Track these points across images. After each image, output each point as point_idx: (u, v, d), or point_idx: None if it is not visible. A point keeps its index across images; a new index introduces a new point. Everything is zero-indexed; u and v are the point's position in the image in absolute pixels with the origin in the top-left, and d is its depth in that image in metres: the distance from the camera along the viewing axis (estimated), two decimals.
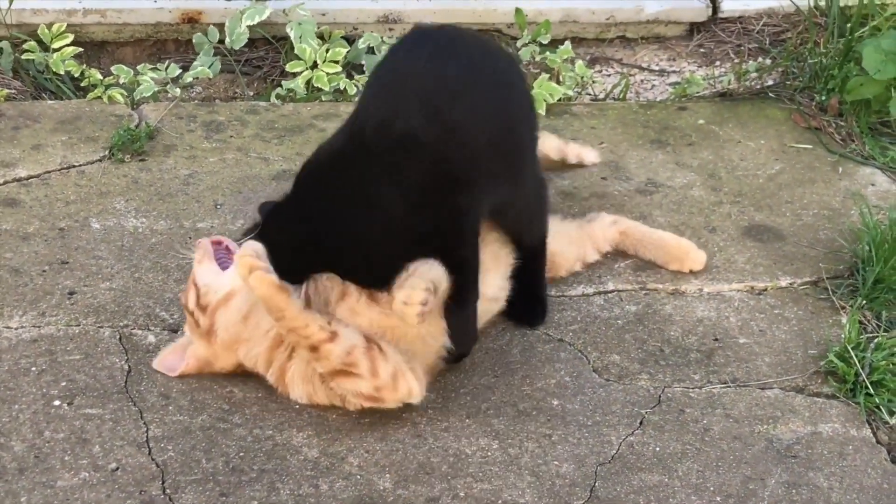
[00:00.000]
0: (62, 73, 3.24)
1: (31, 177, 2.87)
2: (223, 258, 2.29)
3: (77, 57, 3.30)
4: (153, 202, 2.81)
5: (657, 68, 3.58)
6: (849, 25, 3.44)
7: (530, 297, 2.51)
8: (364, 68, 3.43)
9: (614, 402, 2.34)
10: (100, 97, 3.19)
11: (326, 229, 2.16)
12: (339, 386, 2.18)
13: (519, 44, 3.54)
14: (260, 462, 2.15)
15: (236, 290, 2.23)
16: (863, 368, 2.40)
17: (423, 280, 2.16)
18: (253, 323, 2.23)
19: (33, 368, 2.33)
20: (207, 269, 2.27)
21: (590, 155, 3.00)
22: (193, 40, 3.43)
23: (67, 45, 3.28)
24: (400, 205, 2.13)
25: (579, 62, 3.42)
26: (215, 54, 3.43)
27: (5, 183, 2.84)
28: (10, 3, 3.33)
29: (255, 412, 2.25)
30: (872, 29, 3.45)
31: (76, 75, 3.26)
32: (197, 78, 3.35)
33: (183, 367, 2.30)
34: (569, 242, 2.63)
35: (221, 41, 3.43)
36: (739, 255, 2.76)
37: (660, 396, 2.36)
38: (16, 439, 2.17)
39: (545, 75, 3.33)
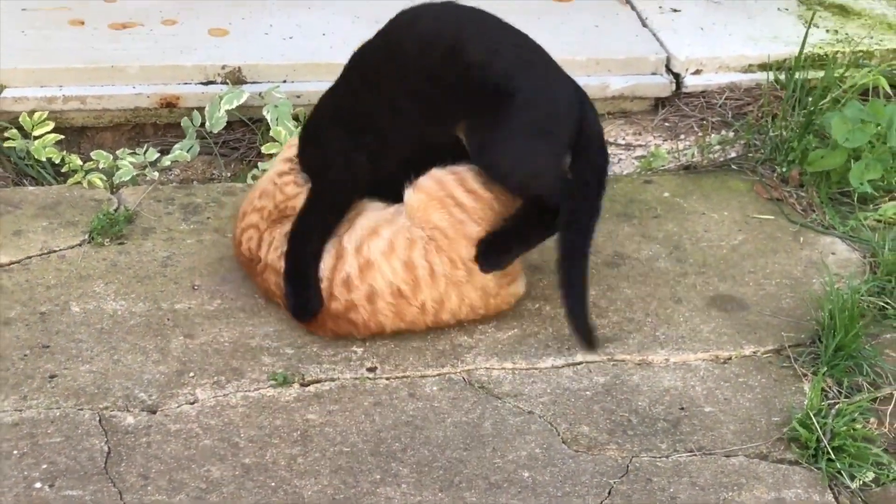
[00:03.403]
0: (43, 159, 3.32)
1: (13, 263, 2.93)
2: None
3: (58, 143, 3.37)
4: (132, 285, 2.88)
5: (624, 143, 3.68)
6: (810, 99, 3.54)
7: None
8: None
9: (583, 473, 2.40)
10: (80, 182, 3.26)
11: None
12: None
13: None
14: None
15: None
16: (824, 434, 2.47)
17: None
18: None
19: (15, 451, 2.38)
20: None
21: None
22: (182, 124, 3.51)
23: (48, 133, 3.36)
24: None
25: None
26: (193, 137, 3.51)
27: None
28: (0, 93, 3.41)
29: (231, 491, 2.30)
30: (832, 102, 3.55)
31: (57, 161, 3.33)
32: (175, 161, 3.43)
33: None
34: None
35: (200, 124, 3.51)
36: (704, 325, 2.83)
37: (628, 466, 2.42)
38: None
39: None
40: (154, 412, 2.50)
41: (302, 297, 2.70)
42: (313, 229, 2.73)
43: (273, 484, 2.33)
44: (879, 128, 3.33)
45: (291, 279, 2.71)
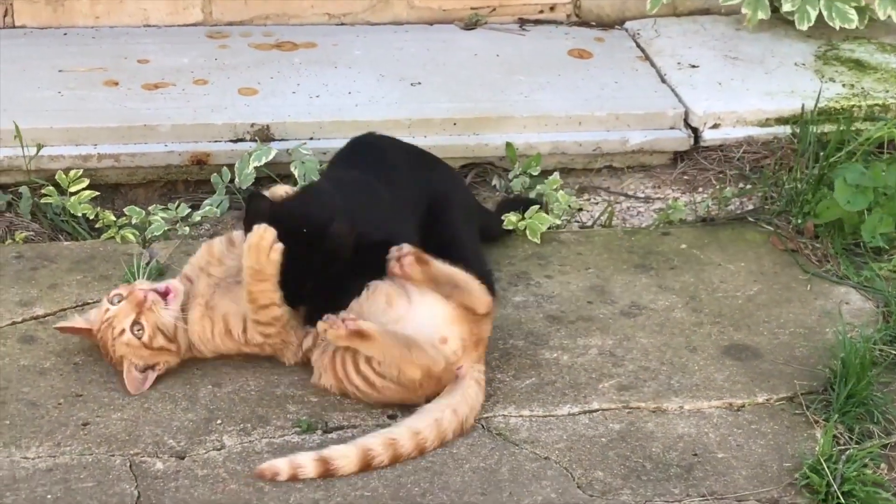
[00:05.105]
0: (78, 215, 3.43)
1: (48, 314, 3.04)
2: None
3: (92, 199, 3.49)
4: None
5: (643, 195, 3.76)
6: (823, 153, 3.61)
7: None
8: None
9: None
10: (113, 237, 3.37)
11: None
12: None
13: (511, 175, 3.72)
14: None
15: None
16: (834, 480, 2.53)
17: None
18: None
19: (49, 496, 2.47)
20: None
21: None
22: (212, 180, 3.61)
23: (83, 189, 3.48)
24: None
25: (560, 192, 3.58)
26: (223, 193, 3.61)
27: (24, 321, 3.01)
28: (38, 151, 3.53)
29: None
30: (848, 154, 3.62)
31: (91, 217, 3.45)
32: (205, 216, 3.53)
33: None
34: None
35: (230, 180, 3.62)
36: (718, 374, 2.90)
37: None
38: None
39: (535, 206, 3.50)
40: (182, 458, 2.59)
41: None
42: None
43: None
44: (887, 188, 3.40)
45: None
